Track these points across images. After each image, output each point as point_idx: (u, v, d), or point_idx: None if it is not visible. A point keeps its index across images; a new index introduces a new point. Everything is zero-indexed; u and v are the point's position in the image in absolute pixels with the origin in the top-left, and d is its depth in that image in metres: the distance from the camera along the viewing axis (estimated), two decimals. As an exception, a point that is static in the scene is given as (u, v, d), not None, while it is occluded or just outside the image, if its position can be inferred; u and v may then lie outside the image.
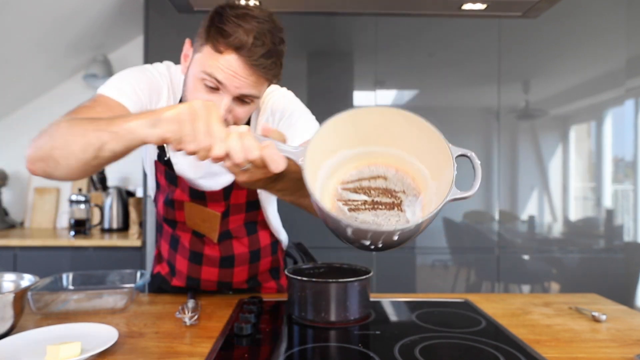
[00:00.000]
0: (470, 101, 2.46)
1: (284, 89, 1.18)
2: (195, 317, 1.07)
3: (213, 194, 1.13)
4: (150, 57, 2.40)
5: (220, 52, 0.91)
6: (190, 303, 1.12)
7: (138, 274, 1.27)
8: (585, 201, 2.48)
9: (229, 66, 0.91)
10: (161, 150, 1.13)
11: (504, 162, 2.45)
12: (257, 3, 1.43)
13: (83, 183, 2.88)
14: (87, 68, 2.78)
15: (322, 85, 2.43)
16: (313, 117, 1.12)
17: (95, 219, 2.66)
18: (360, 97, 2.45)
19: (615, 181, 2.47)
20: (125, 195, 2.72)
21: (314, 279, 1.08)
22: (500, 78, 2.44)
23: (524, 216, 2.46)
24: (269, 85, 1.00)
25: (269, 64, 0.92)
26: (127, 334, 0.99)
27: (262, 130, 0.75)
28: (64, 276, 1.23)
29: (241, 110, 0.97)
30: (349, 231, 0.66)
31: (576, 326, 1.08)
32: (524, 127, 2.46)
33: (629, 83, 2.44)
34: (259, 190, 1.17)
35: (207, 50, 0.93)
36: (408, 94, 2.48)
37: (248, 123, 1.10)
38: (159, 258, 1.34)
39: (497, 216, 2.44)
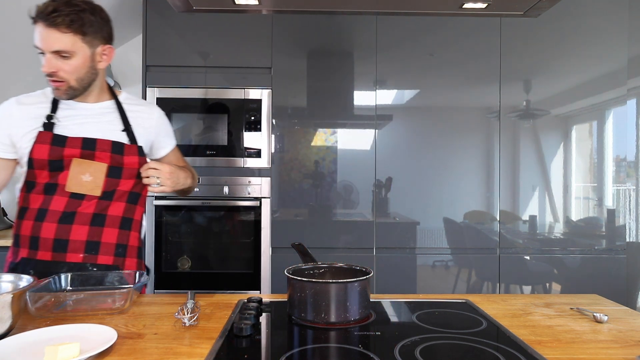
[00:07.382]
0: (471, 101, 2.45)
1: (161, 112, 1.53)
2: (195, 317, 1.06)
3: (103, 143, 1.33)
4: (149, 56, 2.40)
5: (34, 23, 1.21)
6: (190, 304, 1.12)
7: (137, 275, 1.26)
8: (586, 201, 2.47)
9: (38, 33, 1.21)
10: (48, 121, 1.35)
11: (505, 162, 2.44)
12: (257, 3, 1.44)
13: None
14: (87, 68, 2.77)
15: (322, 85, 2.43)
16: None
17: (95, 219, 2.65)
18: (360, 96, 2.45)
19: (617, 181, 2.46)
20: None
21: (314, 280, 1.08)
22: (501, 77, 2.43)
23: (525, 216, 2.45)
24: (83, 40, 1.26)
25: (65, 22, 1.20)
26: (126, 335, 0.99)
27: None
28: (62, 277, 1.23)
29: (62, 63, 1.28)
30: None
31: (577, 327, 1.07)
32: (525, 126, 2.45)
33: (631, 83, 2.43)
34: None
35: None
36: (408, 94, 2.47)
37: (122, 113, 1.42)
38: (17, 245, 1.35)
39: (498, 216, 2.43)
